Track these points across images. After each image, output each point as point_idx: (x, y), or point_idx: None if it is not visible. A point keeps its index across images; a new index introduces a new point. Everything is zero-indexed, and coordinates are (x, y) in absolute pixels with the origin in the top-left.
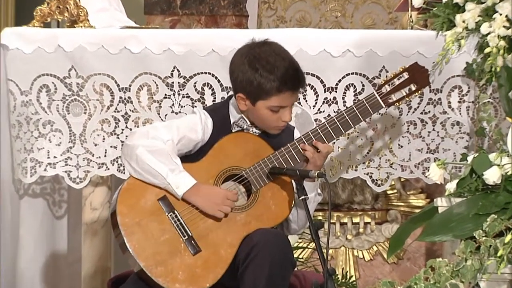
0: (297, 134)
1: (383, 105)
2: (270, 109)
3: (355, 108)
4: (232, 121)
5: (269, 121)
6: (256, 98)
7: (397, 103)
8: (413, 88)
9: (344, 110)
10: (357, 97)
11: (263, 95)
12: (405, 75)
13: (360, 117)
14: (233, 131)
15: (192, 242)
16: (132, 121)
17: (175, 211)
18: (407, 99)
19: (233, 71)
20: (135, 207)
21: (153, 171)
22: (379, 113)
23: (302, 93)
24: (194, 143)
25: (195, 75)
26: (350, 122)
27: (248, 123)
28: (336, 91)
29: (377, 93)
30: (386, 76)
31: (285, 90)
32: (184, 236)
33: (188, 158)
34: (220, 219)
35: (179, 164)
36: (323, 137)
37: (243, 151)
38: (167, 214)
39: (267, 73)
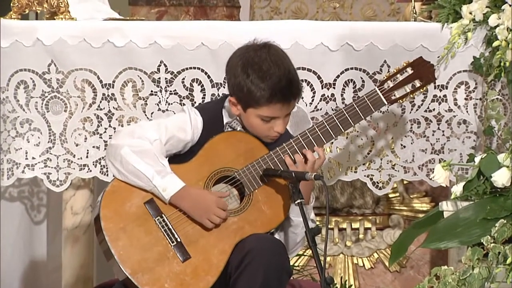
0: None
1: (386, 102)
2: (261, 118)
3: (355, 105)
4: (225, 121)
5: (260, 130)
6: (246, 105)
7: (400, 100)
8: (418, 85)
9: (343, 108)
10: (357, 94)
11: (253, 103)
12: (409, 70)
13: (361, 115)
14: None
15: (181, 248)
16: (116, 119)
17: (163, 215)
18: (411, 96)
19: (227, 72)
20: (120, 211)
21: (138, 172)
22: (381, 111)
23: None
24: (183, 143)
25: (183, 70)
26: (350, 121)
27: (242, 125)
28: (334, 88)
29: (379, 89)
30: (389, 72)
31: (275, 101)
32: (173, 242)
33: (177, 158)
34: None
35: (167, 166)
36: (321, 137)
37: (235, 151)
38: (154, 218)
39: (258, 81)
